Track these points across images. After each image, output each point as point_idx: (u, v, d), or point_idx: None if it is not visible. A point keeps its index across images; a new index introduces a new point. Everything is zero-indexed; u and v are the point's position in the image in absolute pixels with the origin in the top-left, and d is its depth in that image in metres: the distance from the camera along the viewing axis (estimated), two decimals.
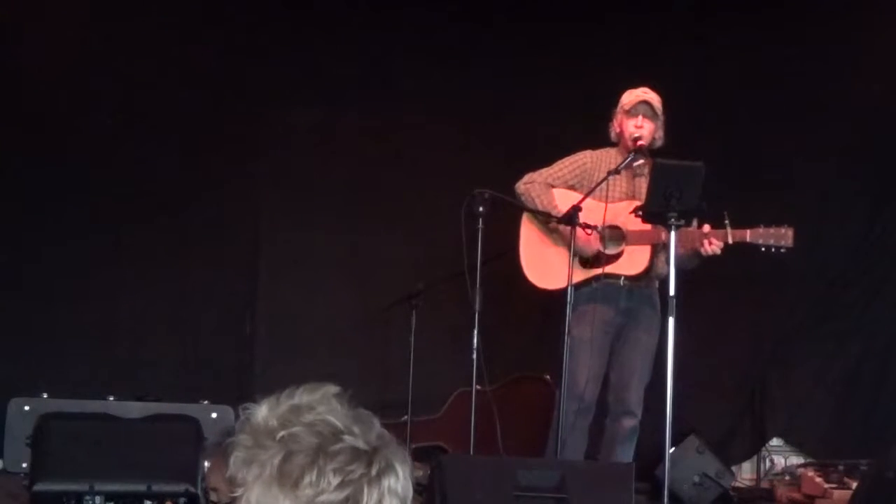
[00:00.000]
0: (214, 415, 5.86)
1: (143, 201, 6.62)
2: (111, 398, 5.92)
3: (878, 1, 6.84)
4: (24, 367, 6.28)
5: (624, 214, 5.20)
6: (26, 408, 5.82)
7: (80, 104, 6.53)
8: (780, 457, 6.81)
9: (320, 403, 1.40)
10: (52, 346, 6.38)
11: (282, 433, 1.36)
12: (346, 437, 1.37)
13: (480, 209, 5.19)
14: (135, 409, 5.64)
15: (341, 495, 1.34)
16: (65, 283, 6.49)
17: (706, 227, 5.11)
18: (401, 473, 1.41)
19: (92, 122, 6.56)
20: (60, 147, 6.52)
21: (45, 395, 5.94)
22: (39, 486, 4.79)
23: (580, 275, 5.17)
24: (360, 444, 1.38)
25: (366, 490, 1.36)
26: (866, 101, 6.72)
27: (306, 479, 1.34)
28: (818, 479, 6.02)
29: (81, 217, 6.54)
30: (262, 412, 1.38)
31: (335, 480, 1.34)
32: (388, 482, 1.38)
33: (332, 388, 1.42)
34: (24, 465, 5.42)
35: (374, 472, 1.37)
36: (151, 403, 5.81)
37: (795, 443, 6.81)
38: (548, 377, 6.19)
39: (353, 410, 1.43)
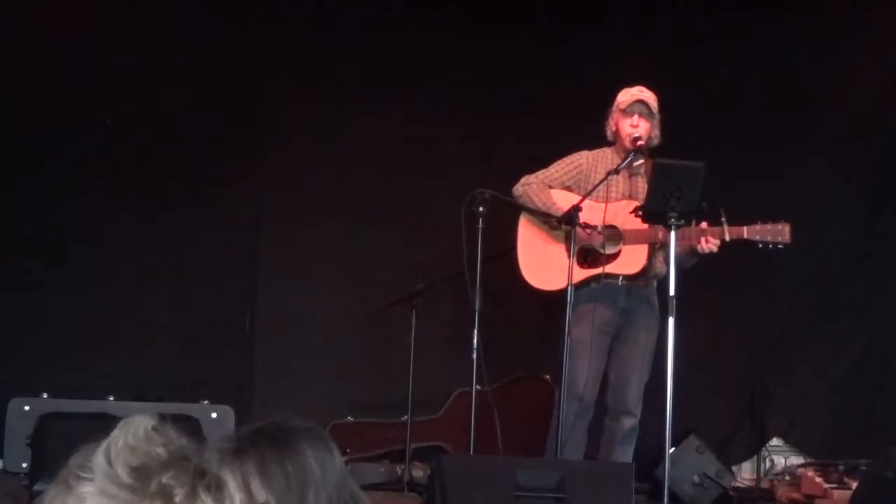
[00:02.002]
0: (214, 415, 5.87)
1: (144, 201, 6.63)
2: (111, 398, 5.93)
3: (877, 1, 6.83)
4: (24, 367, 6.28)
5: (622, 214, 5.20)
6: (26, 408, 5.83)
7: (80, 104, 6.53)
8: (780, 457, 6.80)
9: (152, 439, 1.38)
10: (52, 346, 6.38)
11: (141, 484, 1.33)
12: (198, 458, 1.37)
13: (480, 209, 5.20)
14: (135, 409, 5.64)
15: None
16: (65, 283, 6.49)
17: (703, 225, 5.11)
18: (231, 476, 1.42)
19: (92, 122, 6.56)
20: (60, 147, 6.51)
21: (45, 395, 5.95)
22: (39, 486, 4.79)
23: (579, 275, 5.17)
24: (206, 456, 1.39)
25: (226, 491, 1.37)
26: (866, 100, 6.71)
27: None
28: (818, 479, 6.02)
29: (81, 217, 6.54)
30: (104, 469, 1.32)
31: (210, 499, 1.35)
32: (230, 481, 1.40)
33: (149, 421, 1.40)
34: (24, 465, 5.43)
35: (221, 476, 1.39)
36: (151, 403, 5.82)
37: (795, 443, 6.81)
38: (548, 377, 6.19)
39: (173, 429, 1.41)
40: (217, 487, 1.35)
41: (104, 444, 1.33)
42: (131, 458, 1.32)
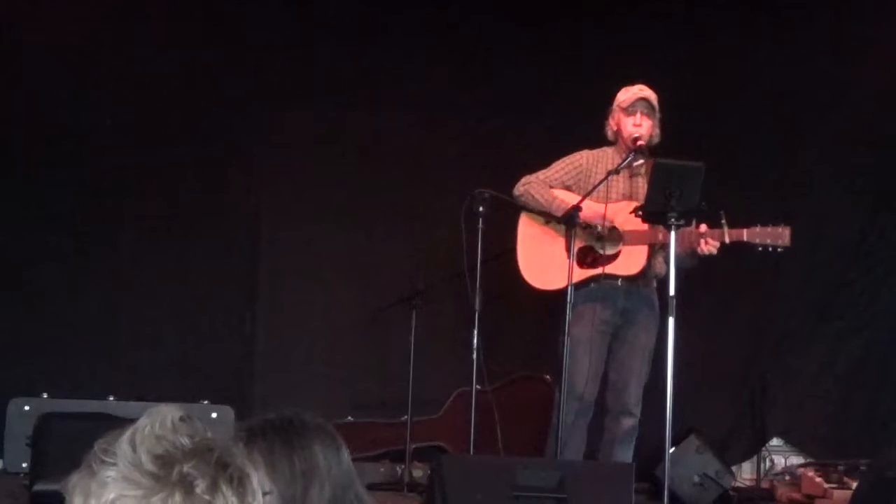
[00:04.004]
0: (214, 415, 5.87)
1: (143, 201, 6.63)
2: (111, 398, 5.94)
3: (879, 1, 6.84)
4: (24, 367, 6.28)
5: (622, 215, 5.20)
6: (26, 408, 5.84)
7: (80, 104, 6.53)
8: (780, 457, 6.80)
9: (178, 429, 1.38)
10: (52, 346, 6.39)
11: (164, 472, 1.34)
12: (222, 451, 1.38)
13: (480, 209, 5.20)
14: (135, 409, 5.63)
15: (238, 500, 1.36)
16: (65, 283, 6.50)
17: (703, 227, 5.11)
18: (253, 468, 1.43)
19: (92, 122, 6.56)
20: (60, 147, 6.52)
21: (45, 395, 5.95)
22: (39, 486, 4.79)
23: (578, 275, 5.16)
24: (231, 450, 1.39)
25: (249, 485, 1.38)
26: (867, 100, 6.72)
27: (218, 502, 1.34)
28: (818, 479, 6.02)
29: (81, 217, 6.55)
30: (128, 455, 1.32)
31: (231, 492, 1.35)
32: (254, 476, 1.40)
33: (176, 411, 1.41)
34: (24, 465, 5.43)
35: (244, 469, 1.39)
36: (151, 403, 5.80)
37: (795, 443, 6.81)
38: (548, 377, 6.19)
39: (199, 422, 1.42)
40: (239, 481, 1.35)
41: (130, 431, 1.34)
42: (156, 447, 1.33)
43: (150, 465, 1.31)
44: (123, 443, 1.33)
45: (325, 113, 6.83)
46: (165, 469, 1.32)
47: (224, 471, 1.34)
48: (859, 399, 6.77)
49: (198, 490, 1.32)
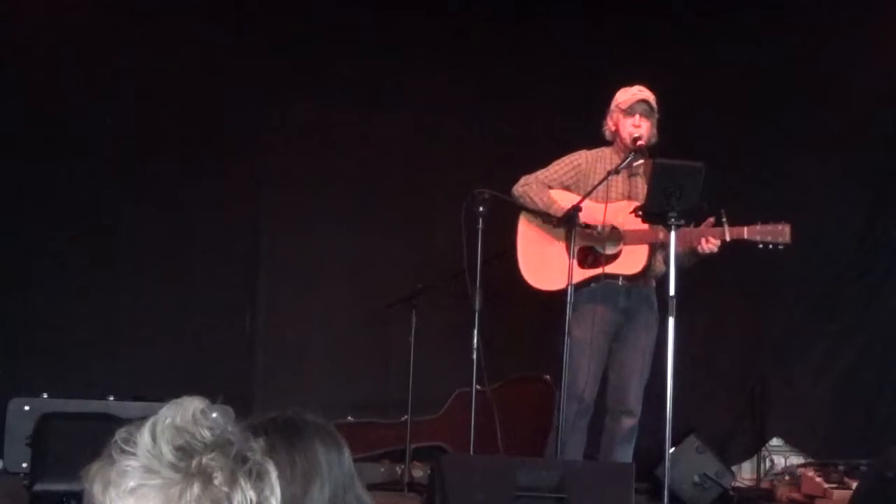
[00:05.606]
0: (214, 415, 5.85)
1: (143, 201, 6.63)
2: (111, 398, 5.93)
3: (879, 1, 6.84)
4: (24, 367, 6.28)
5: (622, 214, 5.20)
6: (26, 408, 5.83)
7: (80, 103, 6.53)
8: (780, 457, 6.81)
9: (199, 422, 1.39)
10: (52, 346, 6.38)
11: (183, 463, 1.34)
12: (242, 445, 1.39)
13: (480, 209, 5.20)
14: (135, 409, 5.63)
15: (255, 495, 1.36)
16: (65, 283, 6.49)
17: (709, 221, 5.11)
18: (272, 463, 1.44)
19: (92, 121, 6.56)
20: (60, 146, 6.51)
21: (45, 395, 5.95)
22: (39, 486, 4.79)
23: (579, 275, 5.16)
24: (250, 444, 1.40)
25: (268, 480, 1.38)
26: (867, 100, 6.72)
27: (236, 497, 1.34)
28: (818, 479, 6.02)
29: (81, 216, 6.54)
30: (148, 445, 1.33)
31: (249, 486, 1.36)
32: (273, 471, 1.41)
33: (198, 403, 1.41)
34: (24, 465, 5.43)
35: (263, 464, 1.40)
36: (151, 403, 5.81)
37: (795, 443, 6.81)
38: (548, 377, 6.20)
39: (220, 415, 1.42)
40: (258, 476, 1.36)
41: (150, 421, 1.36)
42: (176, 438, 1.34)
43: (170, 456, 1.33)
44: (144, 433, 1.35)
45: (325, 113, 6.84)
46: (185, 460, 1.33)
47: (243, 464, 1.35)
48: (859, 399, 6.77)
49: (216, 482, 1.33)
